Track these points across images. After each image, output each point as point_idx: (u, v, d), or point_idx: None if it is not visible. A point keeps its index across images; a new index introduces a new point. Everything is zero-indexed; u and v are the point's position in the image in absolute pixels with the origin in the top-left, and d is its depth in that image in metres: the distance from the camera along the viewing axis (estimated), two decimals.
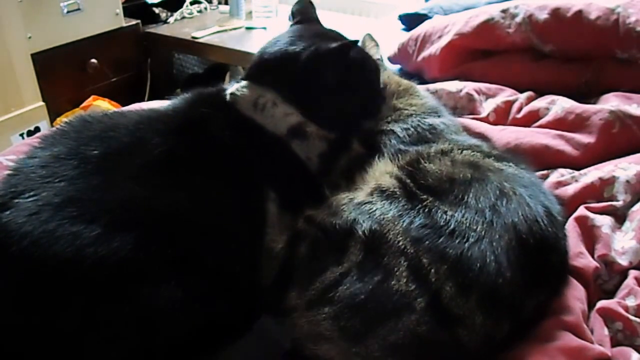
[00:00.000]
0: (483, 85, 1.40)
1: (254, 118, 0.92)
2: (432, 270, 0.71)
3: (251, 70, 0.98)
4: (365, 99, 0.99)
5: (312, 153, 0.93)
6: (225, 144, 0.87)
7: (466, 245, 0.73)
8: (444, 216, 0.76)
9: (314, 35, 0.96)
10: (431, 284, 0.70)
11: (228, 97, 0.93)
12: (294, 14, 1.04)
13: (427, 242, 0.73)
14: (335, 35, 0.99)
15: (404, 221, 0.76)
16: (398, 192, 0.81)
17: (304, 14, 1.04)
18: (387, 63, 1.56)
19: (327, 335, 0.72)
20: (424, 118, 1.03)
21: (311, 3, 1.05)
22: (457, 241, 0.73)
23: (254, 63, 0.99)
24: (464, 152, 0.90)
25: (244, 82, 0.96)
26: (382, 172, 0.88)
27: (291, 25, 1.03)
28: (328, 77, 0.91)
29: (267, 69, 0.95)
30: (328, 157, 0.94)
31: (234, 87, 0.95)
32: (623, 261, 0.92)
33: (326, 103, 0.94)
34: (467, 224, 0.75)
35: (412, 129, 1.00)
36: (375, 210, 0.78)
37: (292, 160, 0.93)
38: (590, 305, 0.86)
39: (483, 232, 0.74)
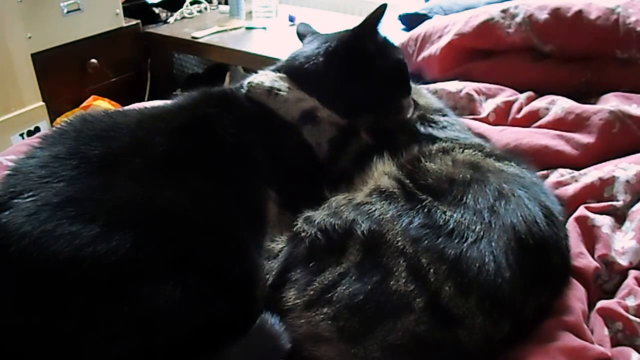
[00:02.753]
0: (483, 86, 1.40)
1: (267, 104, 0.94)
2: (431, 270, 0.71)
3: (282, 62, 1.03)
4: (385, 89, 1.01)
5: (323, 138, 0.95)
6: (228, 143, 0.87)
7: (465, 245, 0.73)
8: (443, 216, 0.76)
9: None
10: (430, 284, 0.70)
11: (245, 87, 0.96)
12: (299, 35, 1.10)
13: (426, 242, 0.73)
14: None
15: (403, 221, 0.76)
16: (397, 192, 0.81)
17: (309, 32, 1.09)
18: None
19: (326, 336, 0.72)
20: (428, 115, 1.04)
21: (308, 24, 1.12)
22: (456, 241, 0.73)
23: (287, 57, 1.04)
24: (465, 151, 0.90)
25: (262, 71, 1.00)
26: (381, 172, 0.88)
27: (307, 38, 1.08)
28: (369, 51, 0.96)
29: (299, 62, 1.00)
30: (338, 143, 0.96)
31: (253, 76, 0.98)
32: (623, 261, 0.92)
33: (346, 89, 0.97)
34: (466, 224, 0.75)
35: (413, 126, 1.01)
36: (374, 210, 0.78)
37: (300, 149, 0.94)
38: (591, 305, 0.86)
39: (482, 233, 0.74)
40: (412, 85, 1.14)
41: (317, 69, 0.97)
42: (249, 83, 0.96)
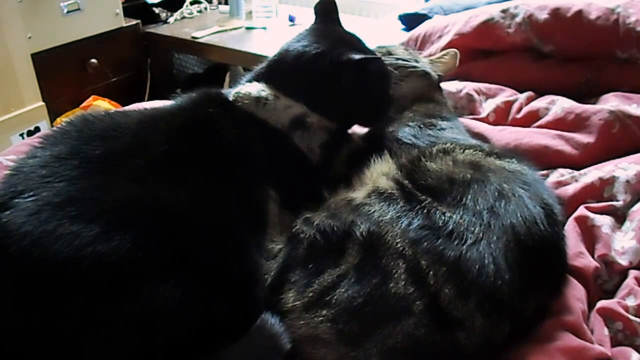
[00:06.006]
0: (483, 86, 1.40)
1: (256, 114, 0.93)
2: (431, 273, 0.71)
3: (261, 70, 1.01)
4: (372, 106, 1.01)
5: (314, 143, 0.95)
6: (229, 143, 0.87)
7: (464, 247, 0.72)
8: (443, 217, 0.76)
9: (336, 39, 0.98)
10: (430, 287, 0.70)
11: (232, 96, 0.95)
12: (316, 13, 1.05)
13: (425, 244, 0.73)
14: (356, 43, 1.01)
15: (402, 222, 0.75)
16: (396, 194, 0.81)
17: (325, 14, 1.04)
18: None
19: (325, 339, 0.71)
20: (427, 118, 1.04)
21: (334, 4, 1.05)
22: (455, 243, 0.73)
23: (266, 63, 1.01)
24: (466, 151, 0.90)
25: (248, 82, 0.98)
26: (379, 173, 0.88)
27: (312, 25, 1.04)
28: (344, 84, 0.94)
29: (280, 69, 0.98)
30: (329, 147, 0.96)
31: (238, 87, 0.97)
32: (623, 261, 0.92)
33: (336, 104, 0.96)
34: (465, 226, 0.75)
35: (412, 127, 1.01)
36: (373, 212, 0.78)
37: (293, 155, 0.94)
38: (590, 305, 0.87)
39: (481, 234, 0.74)
40: (432, 96, 1.16)
41: (300, 79, 0.96)
42: (235, 93, 0.95)
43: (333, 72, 0.93)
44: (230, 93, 0.96)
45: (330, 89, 0.94)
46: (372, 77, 0.98)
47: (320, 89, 0.95)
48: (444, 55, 1.24)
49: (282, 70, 0.98)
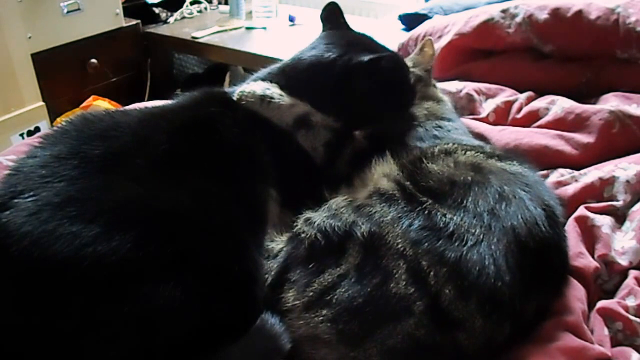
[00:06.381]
0: (483, 86, 1.40)
1: (260, 112, 0.93)
2: (432, 273, 0.71)
3: (272, 73, 1.01)
4: (392, 101, 1.01)
5: (318, 143, 0.95)
6: (229, 142, 0.87)
7: (465, 248, 0.72)
8: (443, 219, 0.76)
9: (347, 44, 0.99)
10: (430, 287, 0.70)
11: (235, 95, 0.95)
12: (322, 20, 1.05)
13: (426, 245, 0.73)
14: (367, 43, 1.01)
15: (403, 223, 0.75)
16: (397, 195, 0.81)
17: (331, 20, 1.05)
18: None
19: (325, 339, 0.71)
20: (429, 119, 1.04)
21: (338, 7, 1.05)
22: (456, 244, 0.73)
23: (278, 68, 1.01)
24: (468, 153, 0.90)
25: (254, 82, 0.98)
26: (380, 174, 0.88)
27: (322, 31, 1.05)
28: (359, 87, 0.94)
29: (292, 75, 0.98)
30: (334, 146, 0.95)
31: (243, 85, 0.97)
32: (623, 261, 0.92)
33: (354, 108, 0.97)
34: (466, 227, 0.74)
35: (417, 130, 1.01)
36: (374, 212, 0.78)
37: (296, 154, 0.94)
38: (591, 305, 0.86)
39: (481, 236, 0.74)
40: (436, 96, 1.16)
41: (314, 87, 0.96)
42: (240, 92, 0.95)
43: (346, 78, 0.93)
44: (235, 92, 0.96)
45: (348, 93, 0.95)
46: (387, 73, 0.97)
47: (336, 95, 0.95)
48: (421, 48, 1.23)
49: (294, 76, 0.98)
